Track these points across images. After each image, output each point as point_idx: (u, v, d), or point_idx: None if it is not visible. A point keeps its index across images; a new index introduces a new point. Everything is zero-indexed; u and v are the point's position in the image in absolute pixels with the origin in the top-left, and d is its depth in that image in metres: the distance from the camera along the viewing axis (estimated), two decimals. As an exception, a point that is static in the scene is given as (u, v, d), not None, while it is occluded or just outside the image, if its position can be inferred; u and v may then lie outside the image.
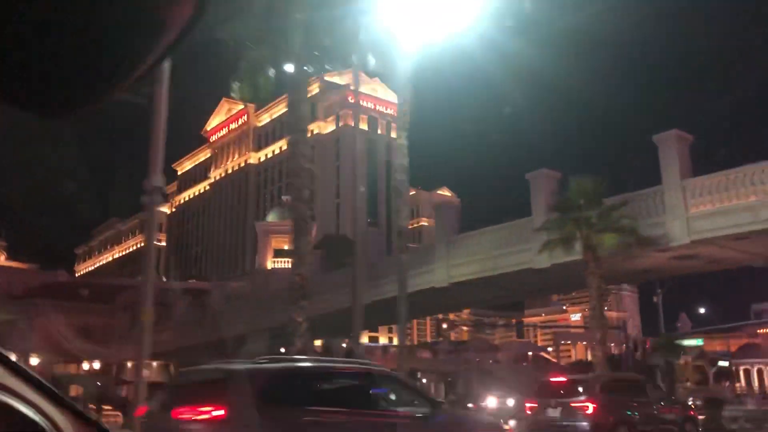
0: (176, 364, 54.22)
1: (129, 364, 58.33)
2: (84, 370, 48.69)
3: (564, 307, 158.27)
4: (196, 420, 6.99)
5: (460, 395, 72.09)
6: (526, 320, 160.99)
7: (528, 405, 15.28)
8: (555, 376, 19.54)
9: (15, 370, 1.43)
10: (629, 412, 15.66)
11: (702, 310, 72.54)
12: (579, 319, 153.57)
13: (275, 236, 56.63)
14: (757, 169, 21.26)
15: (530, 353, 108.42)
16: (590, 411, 14.42)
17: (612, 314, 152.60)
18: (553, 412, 14.75)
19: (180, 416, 7.19)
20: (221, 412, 6.93)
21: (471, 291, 29.71)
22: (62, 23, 0.89)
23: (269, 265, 58.19)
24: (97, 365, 47.13)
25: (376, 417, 7.92)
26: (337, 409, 7.67)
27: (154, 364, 53.85)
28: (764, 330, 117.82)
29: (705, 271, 28.04)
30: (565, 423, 14.51)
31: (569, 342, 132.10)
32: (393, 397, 8.93)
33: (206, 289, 45.73)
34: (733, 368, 73.10)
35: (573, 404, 14.65)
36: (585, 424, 14.24)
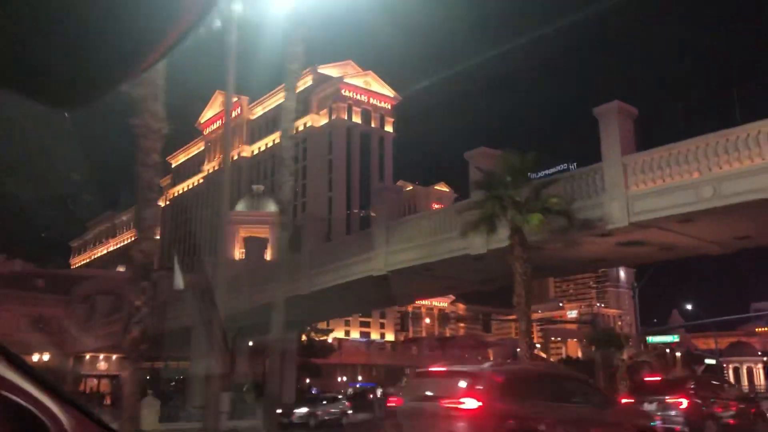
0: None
1: (87, 357, 56.86)
2: (37, 362, 47.09)
3: (561, 304, 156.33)
4: (458, 408, 9.26)
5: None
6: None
7: (624, 401, 16.05)
8: (649, 377, 23.65)
9: (17, 364, 1.51)
10: (714, 407, 18.19)
11: (689, 307, 70.23)
12: (576, 315, 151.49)
13: (243, 226, 54.94)
14: (701, 142, 19.15)
15: (518, 350, 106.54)
16: (684, 406, 16.95)
17: (610, 311, 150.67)
18: (649, 407, 16.36)
19: (446, 405, 9.44)
20: (478, 403, 9.21)
21: (412, 280, 27.71)
22: (72, 16, 0.96)
23: (237, 255, 56.58)
24: (46, 357, 45.56)
25: (574, 406, 10.37)
26: (550, 401, 10.06)
27: (114, 357, 52.36)
28: (762, 328, 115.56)
29: (662, 259, 25.93)
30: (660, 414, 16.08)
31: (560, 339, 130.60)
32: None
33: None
34: (723, 365, 71.33)
35: (668, 400, 17.07)
36: (679, 416, 16.65)
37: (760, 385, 68.04)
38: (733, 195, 18.18)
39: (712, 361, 73.80)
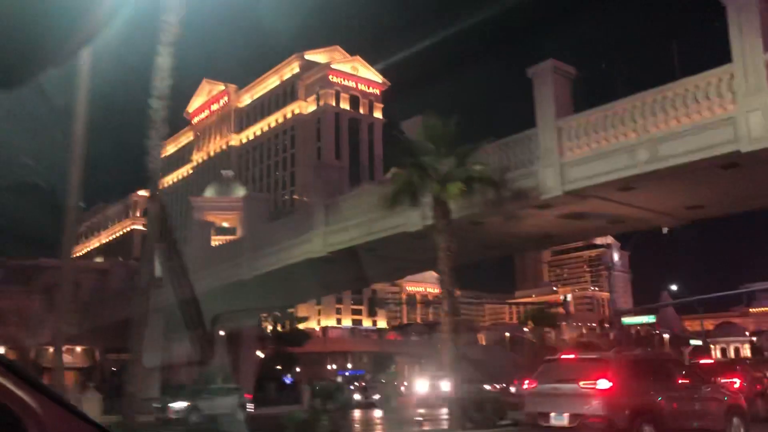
0: (101, 349, 51.28)
1: (51, 349, 55.42)
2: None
3: (554, 288, 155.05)
4: (594, 388, 10.91)
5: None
6: (515, 301, 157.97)
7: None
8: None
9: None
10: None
11: (674, 287, 68.69)
12: (570, 299, 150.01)
13: (211, 213, 53.32)
14: (637, 101, 17.42)
15: (507, 334, 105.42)
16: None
17: (603, 294, 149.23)
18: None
19: (582, 386, 11.08)
20: (610, 384, 10.87)
21: (358, 262, 26.05)
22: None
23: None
24: (2, 350, 44.06)
25: (678, 384, 12.09)
26: (662, 381, 11.79)
27: (78, 348, 50.99)
28: (756, 309, 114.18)
29: (613, 233, 24.30)
30: None
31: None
32: None
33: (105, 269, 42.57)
34: (710, 346, 70.27)
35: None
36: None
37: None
38: (670, 157, 16.49)
39: (699, 342, 72.64)
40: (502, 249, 27.10)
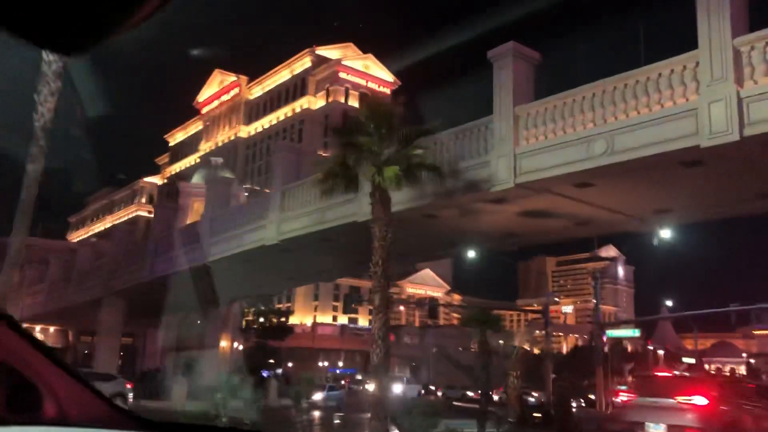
0: (75, 331, 50.41)
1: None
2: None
3: (556, 299, 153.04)
4: (692, 404, 12.55)
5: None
6: (517, 311, 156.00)
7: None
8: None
9: (20, 333, 1.59)
10: None
11: (670, 303, 66.74)
12: (571, 311, 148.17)
13: (196, 198, 52.36)
14: (597, 89, 15.94)
15: (501, 342, 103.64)
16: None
17: (606, 308, 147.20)
18: None
19: (680, 401, 12.73)
20: (706, 401, 12.55)
21: (315, 252, 24.75)
22: None
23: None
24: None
25: (754, 403, 13.71)
26: (743, 400, 13.53)
27: (51, 329, 50.20)
28: (760, 331, 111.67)
29: (579, 236, 22.83)
30: None
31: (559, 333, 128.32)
32: None
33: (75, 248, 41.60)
34: (705, 365, 68.22)
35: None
36: None
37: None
38: (626, 151, 15.00)
39: (692, 360, 70.68)
40: (464, 246, 25.63)
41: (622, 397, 15.63)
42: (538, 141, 16.86)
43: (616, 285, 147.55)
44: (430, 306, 49.94)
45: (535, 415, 19.08)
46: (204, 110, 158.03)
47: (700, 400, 12.58)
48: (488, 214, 20.18)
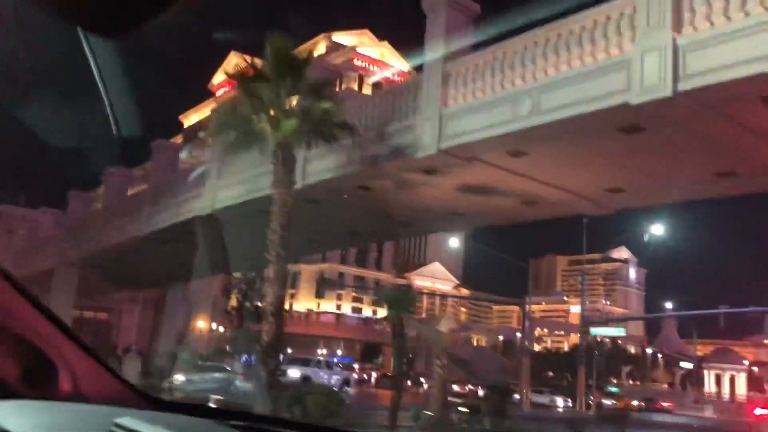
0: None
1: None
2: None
3: (565, 298, 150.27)
4: None
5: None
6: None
7: None
8: None
9: (36, 305, 1.63)
10: None
11: (670, 305, 64.23)
12: (578, 311, 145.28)
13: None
14: (529, 41, 13.94)
15: (501, 338, 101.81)
16: None
17: (616, 309, 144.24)
18: None
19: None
20: None
21: (244, 223, 22.96)
22: None
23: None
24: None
25: None
26: None
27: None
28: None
29: (530, 218, 20.79)
30: None
31: (559, 331, 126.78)
32: None
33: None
34: (704, 372, 65.49)
35: None
36: None
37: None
38: (554, 110, 13.02)
39: (690, 365, 68.11)
40: (411, 226, 23.70)
41: (761, 412, 13.09)
42: (466, 101, 14.92)
43: (627, 287, 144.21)
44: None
45: (460, 409, 17.34)
46: (218, 93, 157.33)
47: None
48: (425, 188, 18.29)
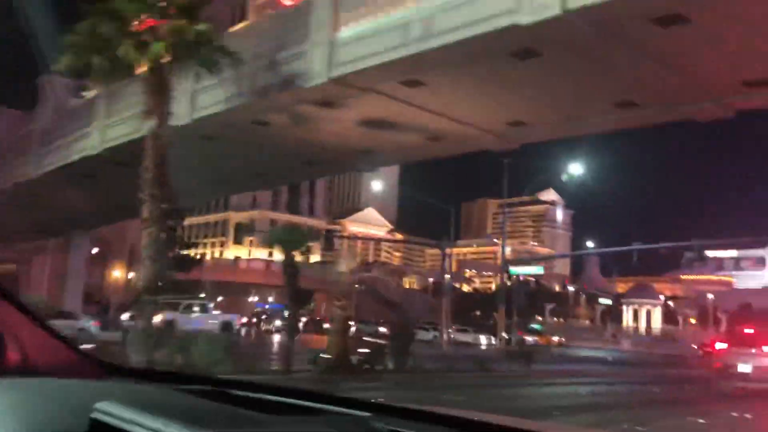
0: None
1: None
2: None
3: (495, 240, 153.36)
4: None
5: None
6: (457, 250, 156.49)
7: None
8: None
9: None
10: None
11: (591, 244, 66.18)
12: (510, 253, 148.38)
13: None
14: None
15: (431, 280, 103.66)
16: None
17: (542, 250, 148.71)
18: None
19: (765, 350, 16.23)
20: None
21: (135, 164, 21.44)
22: None
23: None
24: None
25: None
26: None
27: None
28: (688, 276, 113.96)
29: (438, 155, 20.22)
30: None
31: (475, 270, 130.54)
32: None
33: None
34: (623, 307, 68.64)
35: None
36: None
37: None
38: (444, 33, 12.16)
39: (608, 301, 71.06)
40: (318, 165, 22.69)
41: (720, 346, 18.40)
42: (358, 26, 13.85)
43: (554, 228, 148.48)
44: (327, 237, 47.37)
45: (361, 350, 16.91)
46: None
47: None
48: (325, 123, 17.29)
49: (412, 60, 12.97)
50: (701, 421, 10.01)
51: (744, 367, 16.23)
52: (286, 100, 15.77)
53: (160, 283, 13.61)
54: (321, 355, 15.80)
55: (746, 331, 19.06)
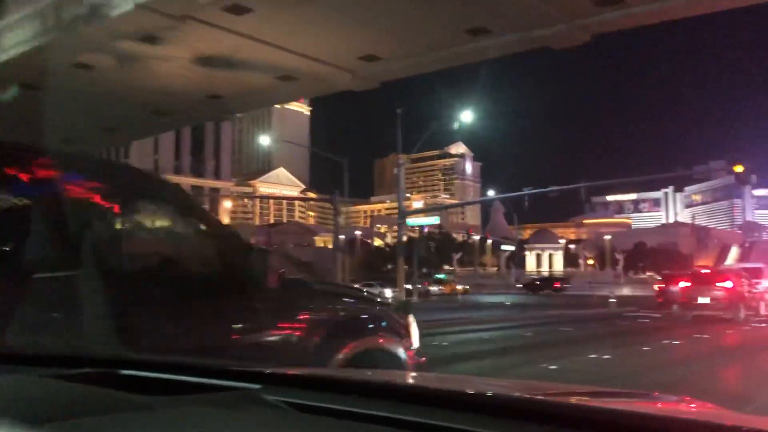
0: None
1: None
2: None
3: (408, 195, 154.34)
4: (724, 286, 20.63)
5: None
6: (370, 207, 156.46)
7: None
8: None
9: None
10: None
11: (492, 192, 66.79)
12: (422, 206, 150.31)
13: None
14: None
15: (342, 237, 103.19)
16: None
17: (453, 201, 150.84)
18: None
19: (718, 285, 20.55)
20: (732, 284, 20.78)
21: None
22: None
23: None
24: None
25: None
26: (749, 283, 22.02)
27: None
28: (591, 220, 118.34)
29: (293, 96, 18.57)
30: None
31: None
32: None
33: None
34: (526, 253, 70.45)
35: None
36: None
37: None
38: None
39: (511, 248, 72.60)
40: (168, 116, 20.48)
41: (685, 284, 21.14)
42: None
43: (463, 180, 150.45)
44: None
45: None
46: None
47: (728, 284, 20.09)
48: (155, 62, 15.25)
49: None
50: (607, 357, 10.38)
51: (702, 300, 20.53)
52: (99, 36, 13.62)
53: None
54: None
55: (703, 271, 25.74)
